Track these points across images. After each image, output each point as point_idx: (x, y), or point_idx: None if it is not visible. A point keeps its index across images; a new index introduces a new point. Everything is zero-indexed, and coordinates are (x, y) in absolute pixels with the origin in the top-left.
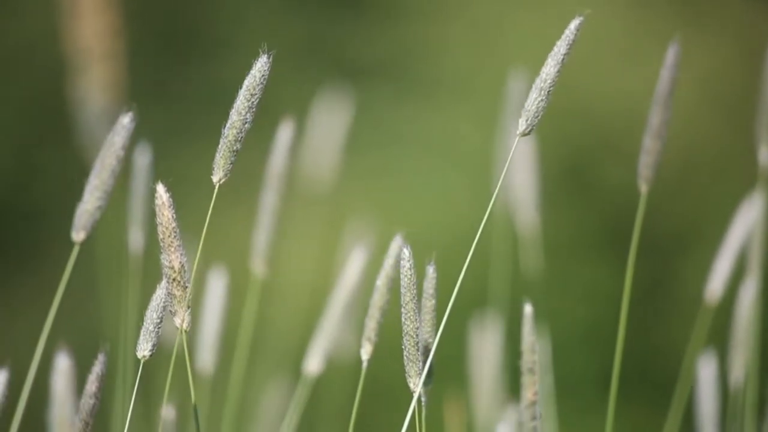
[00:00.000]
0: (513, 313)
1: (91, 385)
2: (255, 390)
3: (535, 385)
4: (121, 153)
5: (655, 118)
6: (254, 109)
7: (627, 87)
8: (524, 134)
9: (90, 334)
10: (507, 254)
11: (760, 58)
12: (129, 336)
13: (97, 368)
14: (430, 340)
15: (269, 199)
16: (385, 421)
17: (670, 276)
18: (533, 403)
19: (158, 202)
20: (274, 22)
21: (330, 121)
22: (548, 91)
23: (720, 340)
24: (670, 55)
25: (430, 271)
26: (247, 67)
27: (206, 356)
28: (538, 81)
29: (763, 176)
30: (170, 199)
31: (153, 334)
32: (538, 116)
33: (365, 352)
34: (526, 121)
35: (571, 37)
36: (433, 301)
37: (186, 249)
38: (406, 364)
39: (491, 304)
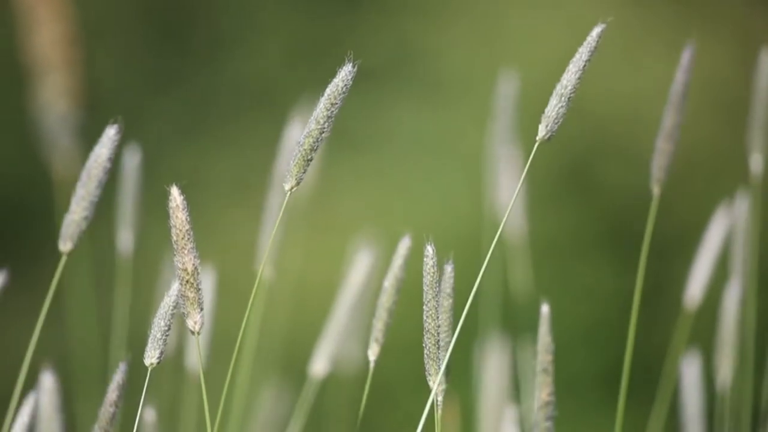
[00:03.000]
0: (505, 318)
1: (112, 393)
2: (246, 390)
3: (550, 385)
4: (108, 165)
5: (669, 120)
6: (333, 119)
7: (627, 88)
8: (544, 140)
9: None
10: (500, 258)
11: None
12: (117, 342)
13: (117, 377)
14: (447, 339)
15: (275, 207)
16: (384, 421)
17: (670, 277)
18: (548, 404)
19: (172, 204)
20: (276, 20)
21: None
22: (569, 98)
23: (707, 342)
24: (685, 57)
25: (449, 270)
26: (250, 65)
27: (195, 357)
28: (558, 87)
29: (754, 182)
30: (184, 202)
31: (161, 342)
32: (558, 122)
33: (372, 353)
34: (546, 126)
35: (593, 44)
36: (451, 300)
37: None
38: (426, 362)
39: (483, 308)
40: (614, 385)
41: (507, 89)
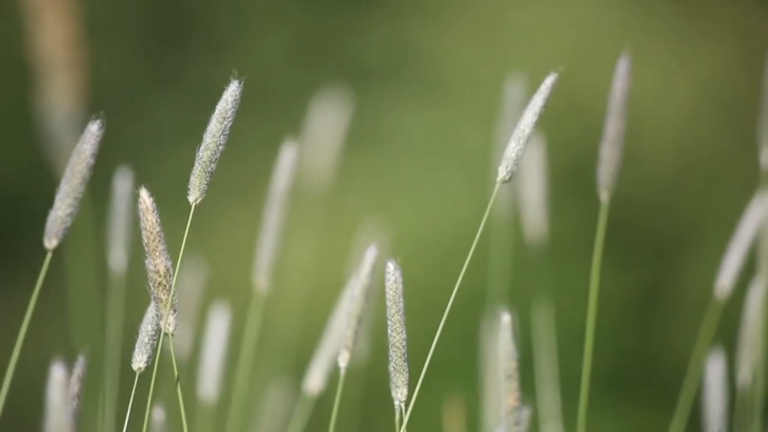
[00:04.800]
0: (519, 315)
1: (73, 386)
2: (253, 397)
3: (516, 391)
4: (91, 161)
5: (611, 128)
6: (227, 132)
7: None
8: (504, 181)
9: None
10: (508, 256)
11: (759, 59)
12: (112, 351)
13: (77, 370)
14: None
15: (272, 217)
16: (383, 421)
17: (670, 276)
18: (514, 409)
19: (142, 206)
20: (275, 20)
21: (327, 121)
22: (526, 140)
23: (725, 339)
24: (622, 66)
25: (397, 275)
26: (249, 65)
27: (209, 385)
28: (516, 131)
29: (764, 177)
30: (154, 204)
31: (148, 346)
32: (517, 163)
33: (343, 360)
34: (506, 168)
35: (546, 92)
36: (402, 304)
37: (186, 252)
38: (392, 374)
39: (491, 307)
40: (615, 386)
41: (514, 93)
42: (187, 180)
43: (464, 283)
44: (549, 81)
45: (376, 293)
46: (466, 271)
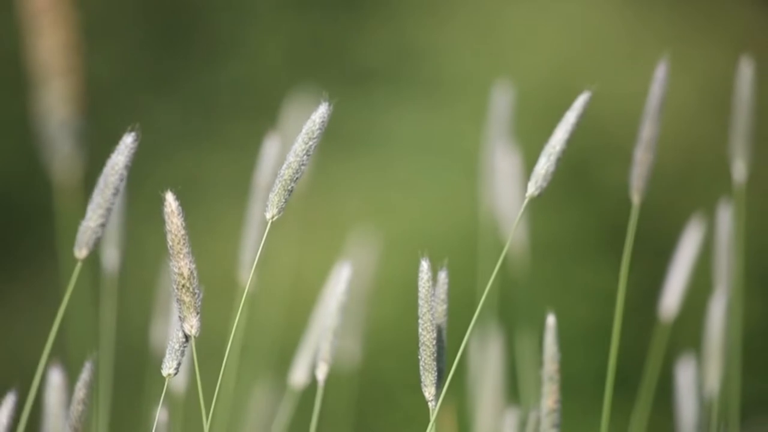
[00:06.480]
0: (501, 318)
1: (79, 391)
2: (237, 398)
3: (556, 393)
4: (125, 172)
5: (646, 131)
6: (311, 153)
7: (628, 88)
8: (533, 196)
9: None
10: (495, 261)
11: (760, 61)
12: (103, 353)
13: (84, 375)
14: (443, 346)
15: (256, 213)
16: (384, 421)
17: None
18: (553, 411)
19: (167, 209)
20: (275, 21)
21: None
22: (557, 157)
23: (687, 347)
24: (660, 71)
25: (442, 276)
26: (249, 66)
27: (180, 377)
28: (547, 147)
29: (737, 190)
30: (179, 207)
31: (178, 353)
32: (547, 179)
33: (321, 372)
34: (536, 183)
35: (580, 110)
36: (445, 306)
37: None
38: (422, 373)
39: (481, 310)
40: (615, 386)
41: (502, 99)
42: (187, 182)
43: (456, 289)
44: (583, 98)
45: (372, 294)
46: (457, 278)
